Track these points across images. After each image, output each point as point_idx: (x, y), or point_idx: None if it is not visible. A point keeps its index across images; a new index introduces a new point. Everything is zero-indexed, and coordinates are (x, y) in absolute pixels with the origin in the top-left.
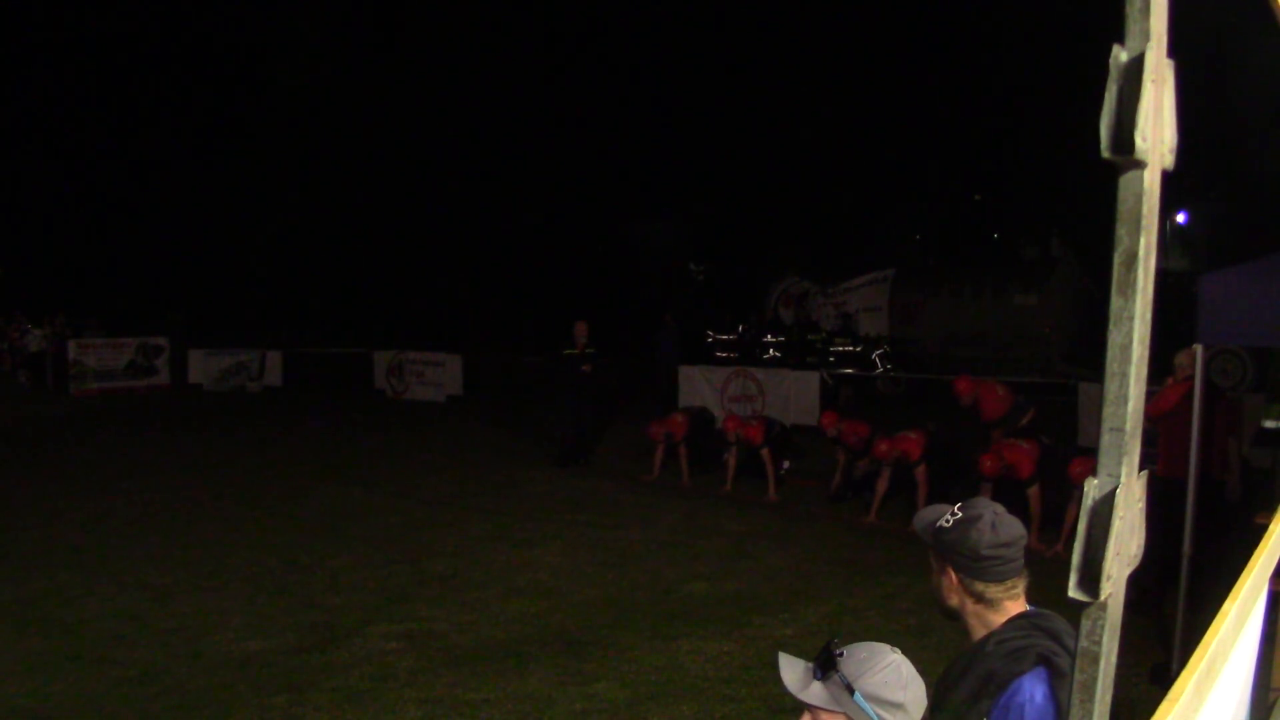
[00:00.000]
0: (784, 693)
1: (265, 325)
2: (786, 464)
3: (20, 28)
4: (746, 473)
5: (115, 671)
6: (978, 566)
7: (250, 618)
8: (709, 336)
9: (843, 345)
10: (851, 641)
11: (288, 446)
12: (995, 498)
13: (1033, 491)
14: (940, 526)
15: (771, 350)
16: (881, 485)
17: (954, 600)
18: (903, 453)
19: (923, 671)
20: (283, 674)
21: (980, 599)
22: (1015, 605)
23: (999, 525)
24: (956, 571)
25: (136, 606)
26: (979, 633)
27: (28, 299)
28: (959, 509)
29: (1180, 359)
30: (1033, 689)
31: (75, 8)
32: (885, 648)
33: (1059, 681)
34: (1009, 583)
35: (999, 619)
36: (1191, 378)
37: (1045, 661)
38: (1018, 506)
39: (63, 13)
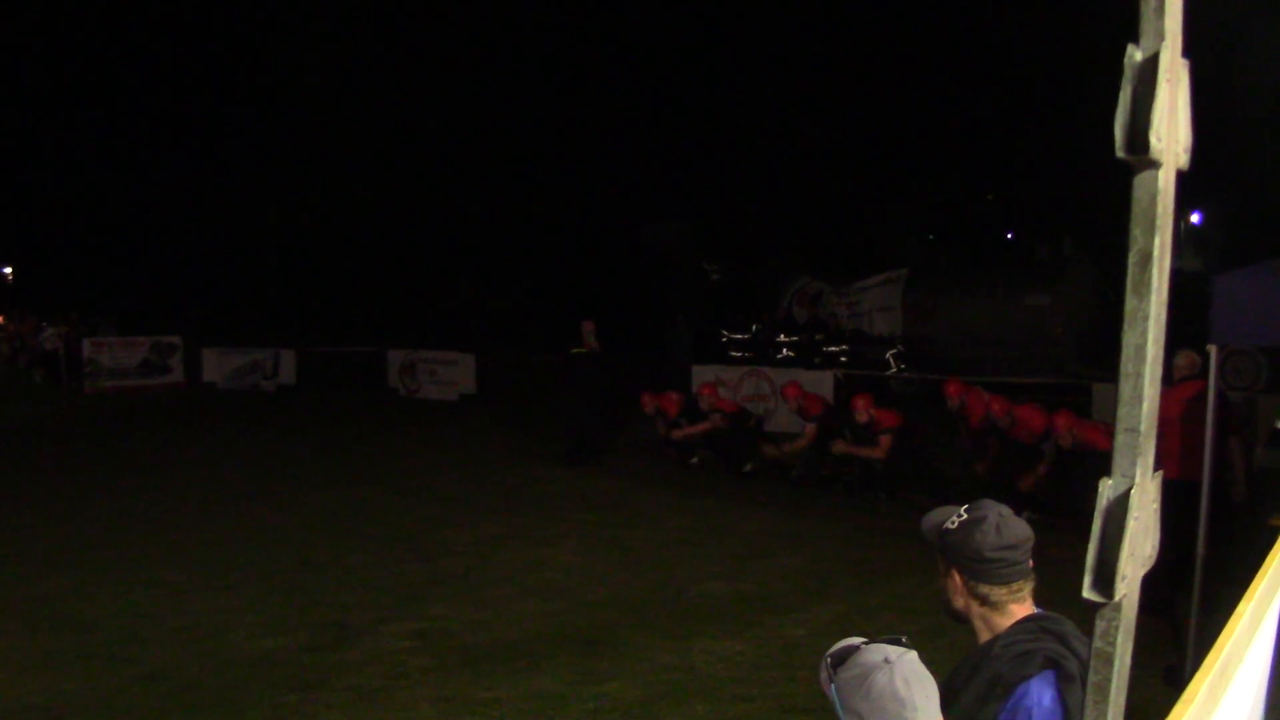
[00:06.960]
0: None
1: (279, 324)
2: (749, 466)
3: (33, 30)
4: (754, 473)
5: (128, 669)
6: (982, 569)
7: (263, 616)
8: (723, 336)
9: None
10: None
11: (301, 445)
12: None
13: (1047, 446)
14: (946, 529)
15: (785, 350)
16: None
17: (959, 602)
18: (876, 419)
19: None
20: (295, 672)
21: (985, 601)
22: (1021, 608)
23: (1003, 527)
24: (961, 574)
25: (149, 604)
26: (984, 635)
27: (43, 298)
28: (965, 510)
29: (1179, 361)
30: (1040, 692)
31: (90, 8)
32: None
33: (1067, 685)
34: (1014, 585)
35: (1004, 622)
36: (1188, 379)
37: (1053, 664)
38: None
39: (75, 14)
